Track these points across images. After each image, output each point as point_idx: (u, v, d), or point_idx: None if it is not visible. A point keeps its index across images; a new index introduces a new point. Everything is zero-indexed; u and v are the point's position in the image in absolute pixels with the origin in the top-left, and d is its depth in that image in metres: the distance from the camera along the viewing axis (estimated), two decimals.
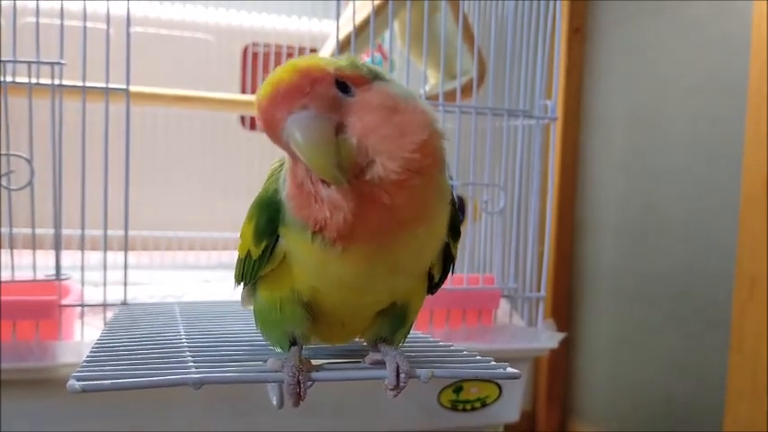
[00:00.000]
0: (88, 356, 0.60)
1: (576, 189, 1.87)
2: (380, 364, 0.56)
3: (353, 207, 0.47)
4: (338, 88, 0.48)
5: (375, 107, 0.48)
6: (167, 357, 0.60)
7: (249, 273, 0.58)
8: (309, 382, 0.54)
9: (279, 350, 0.61)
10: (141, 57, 1.09)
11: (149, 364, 0.56)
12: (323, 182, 0.47)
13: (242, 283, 0.63)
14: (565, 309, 1.89)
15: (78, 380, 0.50)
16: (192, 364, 0.57)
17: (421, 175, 0.48)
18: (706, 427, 1.41)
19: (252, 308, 0.67)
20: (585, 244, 1.84)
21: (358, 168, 0.47)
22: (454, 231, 0.57)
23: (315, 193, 0.48)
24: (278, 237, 0.54)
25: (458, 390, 1.17)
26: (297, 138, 0.46)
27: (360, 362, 0.58)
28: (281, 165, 0.57)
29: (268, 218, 0.54)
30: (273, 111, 0.47)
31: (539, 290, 1.23)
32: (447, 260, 0.59)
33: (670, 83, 1.56)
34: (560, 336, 1.20)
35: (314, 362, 0.57)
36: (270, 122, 0.48)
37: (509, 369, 0.59)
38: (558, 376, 1.92)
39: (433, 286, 0.61)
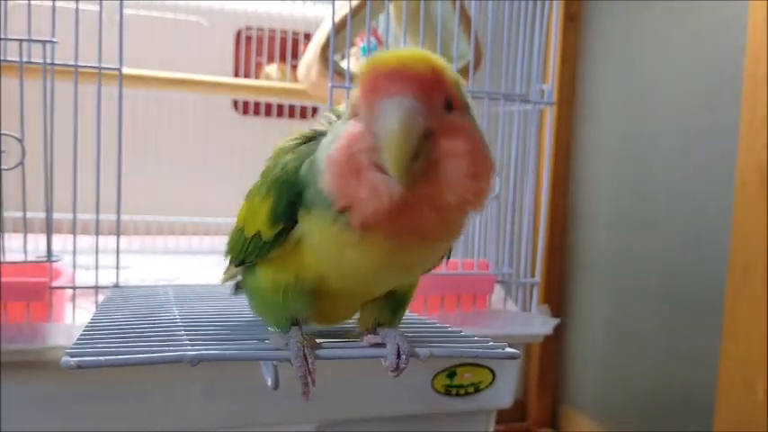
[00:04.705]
0: (82, 334, 0.59)
1: (570, 175, 1.87)
2: (379, 345, 0.56)
3: (389, 203, 0.46)
4: (445, 101, 0.49)
5: (464, 138, 0.48)
6: (162, 335, 0.59)
7: (255, 253, 0.57)
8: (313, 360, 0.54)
9: (276, 330, 0.60)
10: (133, 39, 1.07)
11: (144, 342, 0.56)
12: (378, 167, 0.46)
13: (237, 262, 0.62)
14: (556, 296, 1.89)
15: (73, 356, 0.49)
16: (187, 341, 0.56)
17: (469, 211, 0.50)
18: (699, 414, 1.41)
19: (242, 288, 0.66)
20: (578, 230, 1.84)
21: (416, 177, 0.46)
22: None
23: (361, 170, 0.47)
24: (296, 221, 0.53)
25: (451, 375, 1.17)
26: (393, 119, 0.45)
27: (359, 341, 0.58)
28: (296, 141, 0.57)
29: (288, 200, 0.53)
30: (388, 81, 0.47)
31: (533, 275, 1.23)
32: None
33: (665, 70, 1.56)
34: (554, 321, 1.20)
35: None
36: (376, 87, 0.47)
37: (507, 349, 0.59)
38: (549, 364, 1.92)
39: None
